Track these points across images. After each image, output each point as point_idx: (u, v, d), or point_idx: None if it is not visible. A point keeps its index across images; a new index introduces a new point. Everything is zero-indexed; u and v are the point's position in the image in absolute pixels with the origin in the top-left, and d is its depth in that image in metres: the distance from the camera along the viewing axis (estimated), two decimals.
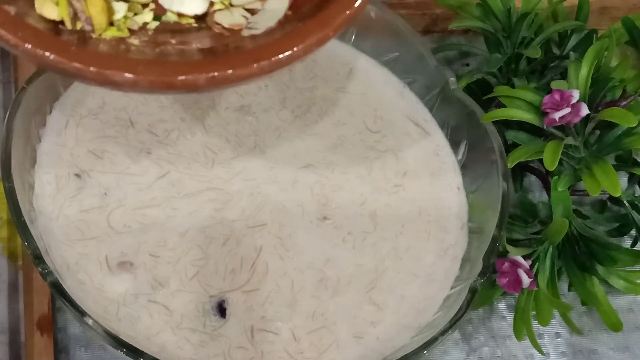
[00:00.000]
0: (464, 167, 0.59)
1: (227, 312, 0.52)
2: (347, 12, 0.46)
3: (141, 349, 0.48)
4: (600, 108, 0.57)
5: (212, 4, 0.48)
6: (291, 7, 0.48)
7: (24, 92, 0.53)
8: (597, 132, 0.58)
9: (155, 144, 0.56)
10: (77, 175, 0.54)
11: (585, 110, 0.55)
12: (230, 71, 0.44)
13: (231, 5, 0.48)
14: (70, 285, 0.50)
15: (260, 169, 0.57)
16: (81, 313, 0.48)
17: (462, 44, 0.66)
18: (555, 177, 0.56)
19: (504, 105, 0.58)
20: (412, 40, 0.61)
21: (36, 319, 0.53)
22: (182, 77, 0.43)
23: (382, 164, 0.59)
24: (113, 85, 0.44)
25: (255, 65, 0.44)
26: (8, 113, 0.52)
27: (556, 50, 0.63)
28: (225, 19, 0.47)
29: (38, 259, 0.49)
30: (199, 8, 0.48)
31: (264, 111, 0.59)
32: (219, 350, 0.51)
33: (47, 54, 0.43)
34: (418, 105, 0.61)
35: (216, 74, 0.44)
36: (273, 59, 0.44)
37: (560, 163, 0.55)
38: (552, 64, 0.62)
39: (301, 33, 0.45)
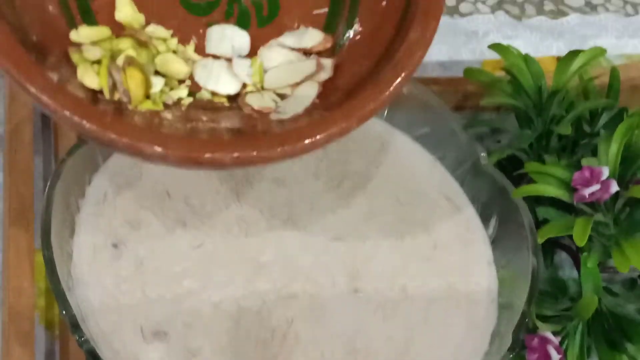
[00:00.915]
0: (495, 241, 0.60)
1: None
2: (372, 105, 0.47)
3: None
4: (630, 185, 0.58)
5: (245, 85, 0.50)
6: (319, 95, 0.49)
7: (64, 164, 0.54)
8: (628, 209, 0.58)
9: (190, 215, 0.57)
10: (114, 245, 0.55)
11: (615, 187, 0.56)
12: (254, 152, 0.45)
13: (263, 88, 0.50)
14: (105, 354, 0.51)
15: (293, 240, 0.58)
16: None
17: (494, 120, 0.67)
18: (585, 254, 0.57)
19: (534, 181, 0.58)
20: (444, 115, 0.62)
21: None
22: (208, 155, 0.45)
23: (413, 237, 0.59)
24: (143, 157, 0.45)
25: (279, 149, 0.46)
26: (48, 184, 0.53)
27: (587, 128, 0.63)
28: (256, 101, 0.49)
29: (75, 327, 0.50)
30: (233, 88, 0.50)
31: (298, 183, 0.60)
32: None
33: (84, 122, 0.44)
34: (449, 179, 0.62)
35: (241, 154, 0.45)
36: (296, 144, 0.46)
37: (590, 239, 0.56)
38: (583, 141, 0.62)
39: (325, 122, 0.47)
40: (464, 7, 0.77)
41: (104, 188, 0.57)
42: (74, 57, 0.48)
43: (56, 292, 0.50)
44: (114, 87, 0.47)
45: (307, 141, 0.46)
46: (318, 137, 0.46)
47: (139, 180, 0.58)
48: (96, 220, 0.56)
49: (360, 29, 0.52)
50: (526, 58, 0.63)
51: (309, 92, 0.49)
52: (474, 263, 0.59)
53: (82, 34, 0.49)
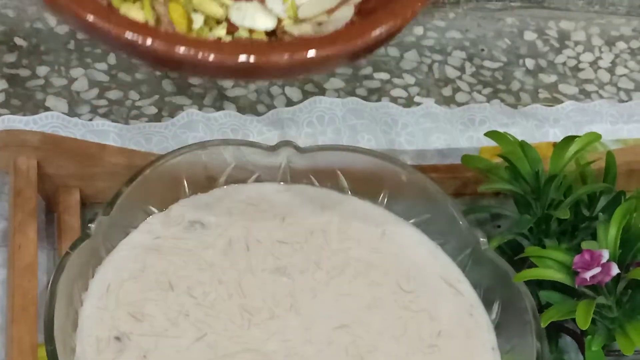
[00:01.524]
0: (498, 327, 0.60)
1: None
2: (417, 2, 0.47)
3: None
4: (630, 267, 0.58)
5: (280, 21, 0.51)
6: (356, 14, 0.50)
7: (68, 258, 0.55)
8: (629, 291, 0.58)
9: (193, 306, 0.57)
10: (117, 338, 0.55)
11: (615, 270, 0.56)
12: (308, 51, 0.45)
13: (299, 20, 0.50)
14: None
15: (296, 329, 0.58)
16: None
17: (493, 206, 0.68)
18: (589, 337, 0.57)
19: (535, 266, 0.58)
20: (443, 202, 0.63)
21: None
22: (264, 58, 0.45)
23: (416, 324, 0.59)
24: (197, 67, 0.46)
25: (331, 47, 0.46)
26: (52, 278, 0.54)
27: (586, 212, 0.64)
28: (295, 30, 0.49)
29: None
30: (270, 23, 0.50)
31: (300, 272, 0.60)
32: None
33: (146, 39, 0.45)
34: (451, 265, 0.62)
35: (292, 55, 0.45)
36: (350, 42, 0.46)
37: (594, 322, 0.56)
38: (582, 225, 0.63)
39: (373, 22, 0.47)
40: (460, 97, 0.78)
41: (107, 281, 0.57)
42: (115, 1, 0.49)
43: None
44: (157, 21, 0.48)
45: (359, 40, 0.45)
46: (368, 36, 0.46)
47: (141, 273, 0.58)
48: (99, 313, 0.56)
49: None
50: (523, 144, 0.64)
51: (346, 14, 0.49)
52: (478, 349, 0.59)
53: None
